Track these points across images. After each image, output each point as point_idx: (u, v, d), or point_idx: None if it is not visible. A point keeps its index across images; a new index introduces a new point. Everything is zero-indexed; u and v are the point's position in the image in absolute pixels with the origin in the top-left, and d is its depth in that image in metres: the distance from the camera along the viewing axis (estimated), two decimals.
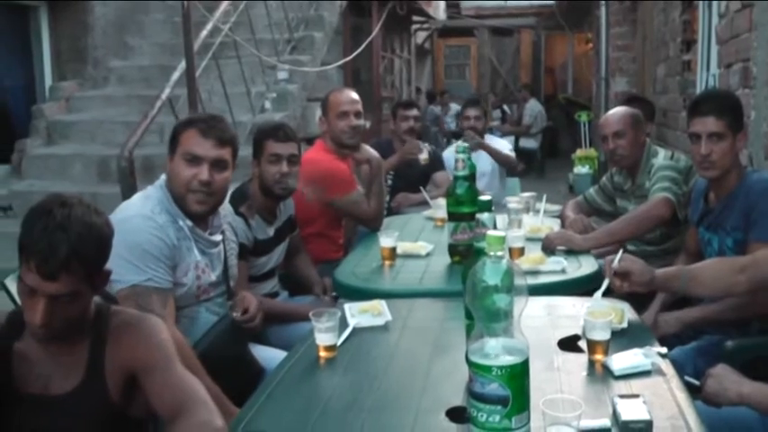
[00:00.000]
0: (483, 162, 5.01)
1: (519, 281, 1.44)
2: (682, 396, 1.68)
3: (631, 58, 9.05)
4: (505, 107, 14.62)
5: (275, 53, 6.63)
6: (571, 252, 2.97)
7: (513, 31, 18.42)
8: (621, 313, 2.12)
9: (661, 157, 3.26)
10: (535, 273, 2.68)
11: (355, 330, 2.19)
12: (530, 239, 3.09)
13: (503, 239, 1.45)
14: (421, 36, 16.00)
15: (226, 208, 2.64)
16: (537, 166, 11.97)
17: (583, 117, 10.92)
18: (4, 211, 5.67)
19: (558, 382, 1.78)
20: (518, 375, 1.40)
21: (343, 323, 2.17)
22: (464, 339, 1.81)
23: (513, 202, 3.58)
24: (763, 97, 3.44)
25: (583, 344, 1.96)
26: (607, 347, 1.89)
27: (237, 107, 5.97)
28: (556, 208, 3.95)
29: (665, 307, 2.71)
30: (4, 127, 6.66)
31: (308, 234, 3.49)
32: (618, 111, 3.46)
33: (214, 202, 2.41)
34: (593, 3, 10.63)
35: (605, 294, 2.23)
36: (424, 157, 4.54)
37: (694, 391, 1.84)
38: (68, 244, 1.60)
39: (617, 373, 1.79)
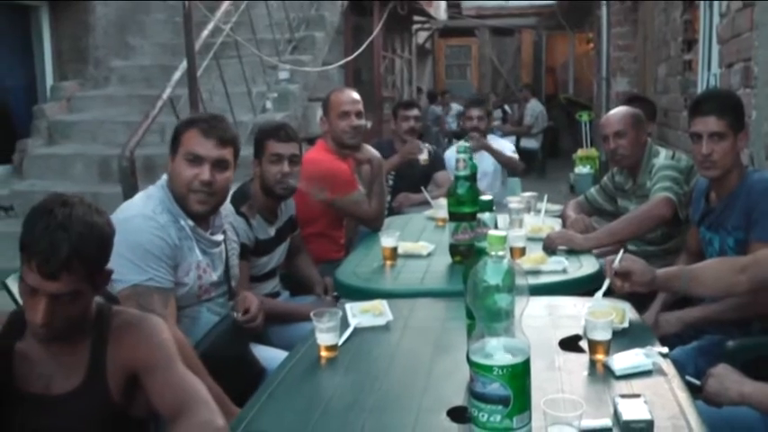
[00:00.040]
0: (485, 163, 5.01)
1: (520, 281, 1.44)
2: (683, 396, 1.68)
3: (632, 58, 9.05)
4: (506, 107, 14.62)
5: (276, 53, 6.64)
6: (572, 252, 2.97)
7: (514, 30, 18.43)
8: (622, 313, 2.12)
9: (662, 156, 3.26)
10: (536, 272, 2.68)
11: (356, 330, 2.19)
12: (531, 239, 3.09)
13: (504, 239, 1.45)
14: (422, 36, 16.00)
15: (227, 208, 2.64)
16: (538, 165, 11.97)
17: (584, 117, 10.93)
18: (5, 211, 5.67)
19: (559, 382, 1.78)
20: (519, 375, 1.40)
21: (345, 323, 2.17)
22: (465, 339, 1.80)
23: (514, 201, 3.58)
24: (765, 97, 3.44)
25: (584, 344, 1.96)
26: (608, 347, 1.89)
27: (239, 107, 5.97)
28: (557, 208, 3.95)
29: (666, 307, 2.71)
30: (6, 127, 6.66)
31: (309, 234, 3.50)
32: (619, 110, 3.46)
33: (215, 202, 2.41)
34: (593, 3, 10.62)
35: (606, 294, 2.23)
36: (423, 157, 4.54)
37: (695, 391, 1.84)
38: (69, 243, 1.60)
39: (618, 373, 1.79)
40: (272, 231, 3.09)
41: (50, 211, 1.63)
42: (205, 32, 5.49)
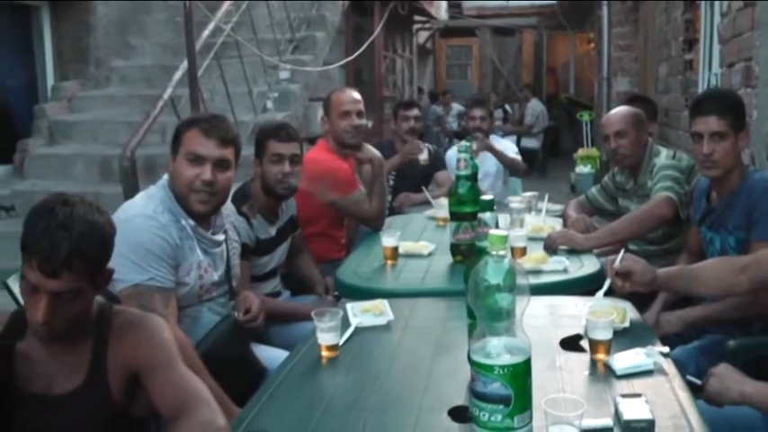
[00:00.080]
0: (488, 163, 5.02)
1: (521, 280, 1.44)
2: (684, 395, 1.68)
3: (633, 58, 9.05)
4: (507, 107, 14.62)
5: (277, 53, 6.64)
6: (573, 251, 2.97)
7: (515, 30, 18.43)
8: (623, 313, 2.12)
9: (663, 156, 3.26)
10: (537, 272, 2.68)
11: (357, 330, 2.19)
12: (532, 239, 3.09)
13: (505, 239, 1.45)
14: (423, 36, 16.01)
15: (228, 207, 2.64)
16: (539, 165, 11.98)
17: (585, 117, 10.93)
18: (6, 211, 5.67)
19: (560, 382, 1.78)
20: (520, 375, 1.40)
21: (346, 323, 2.17)
22: (466, 339, 1.81)
23: (515, 201, 3.58)
24: (765, 96, 3.44)
25: (585, 343, 1.96)
26: (609, 347, 1.89)
27: (239, 107, 5.98)
28: (558, 207, 3.95)
29: (667, 306, 2.71)
30: (7, 127, 6.66)
31: (310, 234, 3.50)
32: (620, 110, 3.46)
33: (217, 202, 2.41)
34: (594, 2, 10.62)
35: (607, 294, 2.23)
36: (423, 157, 4.54)
37: (696, 391, 1.84)
38: (70, 242, 1.60)
39: (619, 373, 1.79)
40: (272, 231, 3.09)
41: (51, 210, 1.63)
42: (206, 32, 5.49)
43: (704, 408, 1.77)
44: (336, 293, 3.06)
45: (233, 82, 6.03)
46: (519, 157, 5.28)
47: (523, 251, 2.91)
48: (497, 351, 1.41)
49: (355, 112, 3.61)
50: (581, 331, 2.02)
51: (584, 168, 9.58)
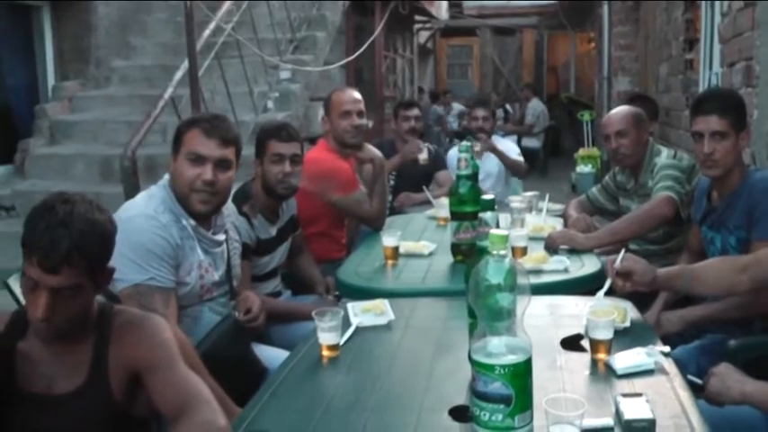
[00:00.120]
0: (490, 164, 5.02)
1: (522, 280, 1.44)
2: (685, 395, 1.68)
3: (634, 58, 9.05)
4: (508, 106, 14.62)
5: (278, 53, 6.64)
6: (574, 251, 2.97)
7: (516, 30, 18.43)
8: (624, 312, 2.12)
9: (664, 156, 3.25)
10: (538, 272, 2.68)
11: (358, 330, 2.19)
12: (532, 239, 3.09)
13: (505, 238, 1.45)
14: (423, 36, 16.00)
15: (229, 207, 2.64)
16: (539, 165, 11.97)
17: (585, 116, 10.92)
18: (7, 211, 5.68)
19: (560, 381, 1.78)
20: (521, 374, 1.41)
21: (346, 322, 2.17)
22: (467, 338, 1.81)
23: (515, 201, 3.58)
24: (766, 96, 3.44)
25: (585, 343, 1.96)
26: (610, 346, 1.89)
27: (240, 107, 5.98)
28: (558, 207, 3.95)
29: (668, 306, 2.71)
30: (7, 127, 6.66)
31: (310, 233, 3.50)
32: (620, 110, 3.46)
33: (218, 202, 2.41)
34: (595, 2, 10.63)
35: (608, 293, 2.23)
36: (423, 156, 4.54)
37: (697, 390, 1.84)
38: (70, 239, 1.60)
39: (620, 372, 1.79)
40: (273, 231, 3.09)
41: (52, 208, 1.64)
42: (207, 32, 5.49)
43: (705, 407, 1.77)
44: (337, 293, 3.06)
45: (234, 82, 6.03)
46: (521, 159, 5.27)
47: (524, 251, 2.91)
48: (498, 351, 1.41)
49: (356, 111, 3.61)
50: (582, 331, 2.02)
51: (584, 168, 9.58)
